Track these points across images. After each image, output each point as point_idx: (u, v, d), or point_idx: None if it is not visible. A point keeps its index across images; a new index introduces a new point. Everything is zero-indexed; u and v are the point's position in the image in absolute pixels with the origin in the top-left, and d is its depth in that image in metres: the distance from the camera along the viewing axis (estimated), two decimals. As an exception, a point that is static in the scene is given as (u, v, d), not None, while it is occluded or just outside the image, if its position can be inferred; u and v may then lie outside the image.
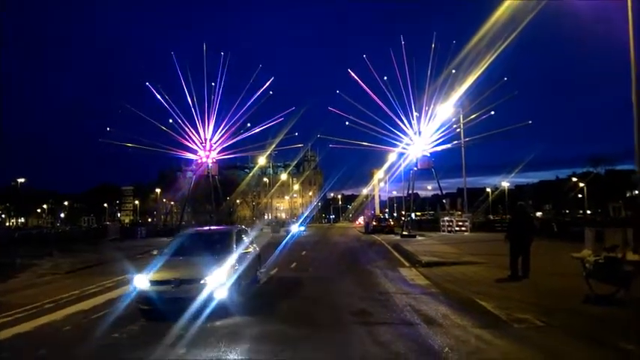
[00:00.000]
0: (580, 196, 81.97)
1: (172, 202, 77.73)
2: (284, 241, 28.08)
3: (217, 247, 9.83)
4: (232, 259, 9.15)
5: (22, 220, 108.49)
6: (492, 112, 35.71)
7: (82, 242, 26.58)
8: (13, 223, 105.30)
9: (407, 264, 15.93)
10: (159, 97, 38.32)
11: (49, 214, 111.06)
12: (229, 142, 40.45)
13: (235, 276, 8.85)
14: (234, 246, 9.89)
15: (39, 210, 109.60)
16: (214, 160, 40.02)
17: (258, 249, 12.19)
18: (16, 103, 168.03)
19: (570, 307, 8.35)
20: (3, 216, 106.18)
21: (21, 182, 75.65)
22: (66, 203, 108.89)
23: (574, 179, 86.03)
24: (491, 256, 16.61)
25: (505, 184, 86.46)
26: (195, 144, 39.35)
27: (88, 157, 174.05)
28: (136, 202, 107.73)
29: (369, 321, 7.70)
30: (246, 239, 11.31)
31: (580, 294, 8.87)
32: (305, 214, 77.63)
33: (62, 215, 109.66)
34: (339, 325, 7.59)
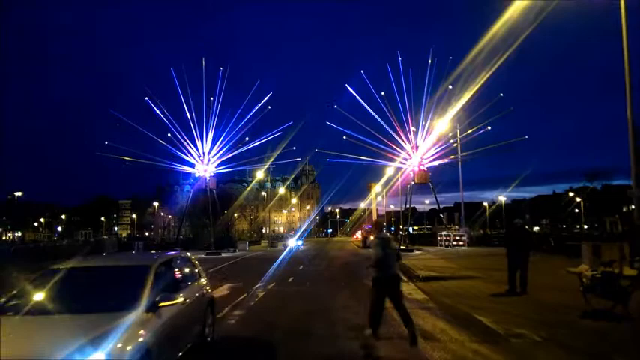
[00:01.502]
0: (577, 210, 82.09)
1: (170, 216, 77.59)
2: (282, 256, 28.05)
3: (115, 296, 5.38)
4: (136, 322, 4.77)
5: (19, 233, 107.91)
6: (489, 128, 36.06)
7: (78, 257, 26.32)
8: (10, 236, 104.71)
9: (404, 278, 15.86)
10: (157, 111, 38.53)
11: (46, 228, 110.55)
12: (228, 156, 40.67)
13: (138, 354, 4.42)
14: (147, 294, 5.28)
15: (36, 224, 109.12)
16: (212, 174, 40.10)
17: (208, 290, 7.59)
18: (14, 115, 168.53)
19: (568, 321, 8.36)
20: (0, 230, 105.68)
21: (18, 196, 75.34)
22: (63, 217, 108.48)
23: (571, 194, 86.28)
24: (488, 270, 16.61)
25: (502, 199, 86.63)
26: (194, 158, 39.45)
27: (85, 170, 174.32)
28: (134, 215, 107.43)
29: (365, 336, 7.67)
30: (181, 275, 6.87)
31: (577, 308, 8.89)
32: (303, 228, 77.44)
33: (59, 229, 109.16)
34: (335, 339, 7.58)
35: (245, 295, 12.30)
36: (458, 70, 33.16)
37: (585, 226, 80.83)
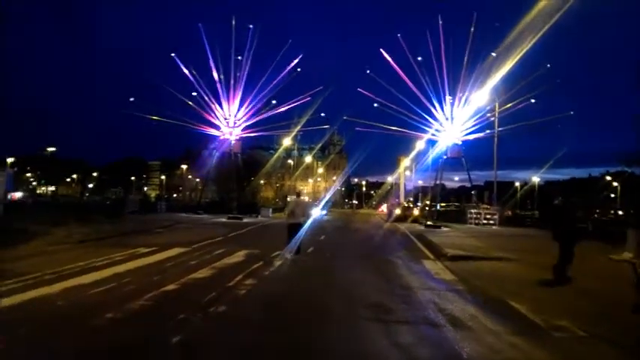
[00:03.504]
0: (612, 195, 78.99)
1: (198, 179, 78.00)
2: (305, 225, 27.40)
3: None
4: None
5: (53, 188, 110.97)
6: (533, 100, 34.13)
7: (101, 213, 26.46)
8: (44, 190, 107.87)
9: (431, 256, 15.01)
10: (184, 69, 37.76)
11: (79, 184, 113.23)
12: (254, 120, 39.77)
13: None
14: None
15: (68, 180, 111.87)
16: (237, 137, 39.47)
17: None
18: (45, 72, 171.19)
19: (615, 316, 7.40)
20: (34, 183, 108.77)
21: (51, 151, 76.78)
22: (95, 174, 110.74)
23: (608, 178, 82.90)
24: (522, 252, 15.58)
25: (535, 179, 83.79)
26: (219, 120, 38.79)
27: (117, 130, 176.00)
28: (163, 177, 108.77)
29: (387, 319, 6.89)
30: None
31: (624, 301, 7.89)
32: (327, 198, 76.84)
33: (90, 186, 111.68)
34: (351, 319, 6.81)
35: (260, 263, 11.66)
36: (501, 39, 31.30)
37: (620, 212, 77.84)
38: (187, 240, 16.15)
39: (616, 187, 77.09)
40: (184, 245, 14.62)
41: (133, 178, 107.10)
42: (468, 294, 8.84)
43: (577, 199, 16.49)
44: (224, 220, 30.69)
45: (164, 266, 10.90)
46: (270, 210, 40.88)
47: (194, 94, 37.89)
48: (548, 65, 34.81)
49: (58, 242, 14.12)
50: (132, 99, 37.00)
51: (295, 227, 13.60)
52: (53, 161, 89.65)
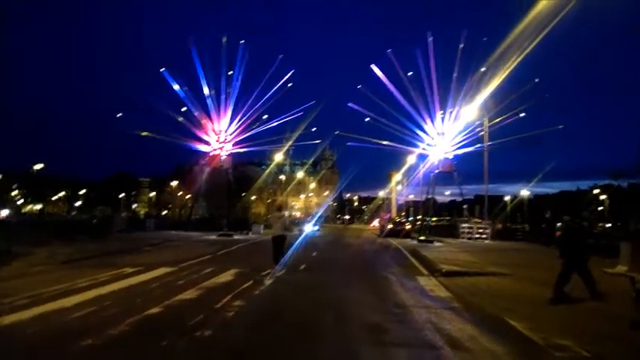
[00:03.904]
0: (600, 208, 79.53)
1: (188, 196, 77.23)
2: (295, 241, 26.99)
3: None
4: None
5: (39, 206, 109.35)
6: (522, 114, 34.39)
7: (87, 232, 25.89)
8: (30, 209, 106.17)
9: (425, 272, 14.72)
10: (175, 85, 37.51)
11: (66, 202, 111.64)
12: (245, 135, 39.56)
13: None
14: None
15: (55, 198, 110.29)
16: (228, 153, 39.13)
17: None
18: (37, 88, 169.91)
19: (616, 332, 7.15)
20: (21, 201, 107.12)
21: (38, 168, 75.83)
22: (83, 192, 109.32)
23: (596, 191, 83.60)
24: (515, 267, 15.35)
25: (525, 193, 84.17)
26: (210, 135, 38.44)
27: (106, 144, 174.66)
28: (152, 193, 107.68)
29: (383, 340, 6.58)
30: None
31: (622, 316, 7.64)
32: (319, 214, 76.48)
33: (78, 204, 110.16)
34: (346, 341, 6.49)
35: (250, 282, 11.29)
36: (490, 55, 31.54)
37: (608, 225, 78.23)
38: (175, 259, 15.73)
39: (603, 200, 77.60)
40: (171, 264, 14.20)
41: (122, 195, 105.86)
42: (465, 312, 8.55)
43: (586, 213, 16.25)
44: (214, 237, 30.21)
45: (149, 287, 10.50)
46: (262, 226, 40.38)
47: (184, 109, 37.63)
48: (537, 80, 35.18)
49: (41, 263, 13.67)
50: (119, 115, 36.65)
51: (278, 239, 14.35)
52: (40, 178, 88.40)
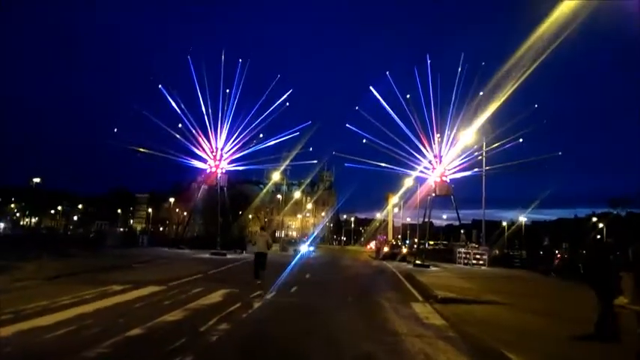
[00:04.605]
0: (599, 237, 79.30)
1: (185, 213, 76.79)
2: (290, 261, 26.60)
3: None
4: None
5: (35, 219, 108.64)
6: (520, 140, 34.35)
7: (80, 247, 25.50)
8: (27, 222, 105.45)
9: (420, 298, 14.33)
10: (172, 101, 37.37)
11: (64, 217, 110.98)
12: (242, 153, 39.34)
13: None
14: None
15: (53, 211, 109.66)
16: (224, 171, 38.87)
17: None
18: (36, 103, 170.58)
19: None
20: (18, 215, 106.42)
21: (36, 182, 75.50)
22: (80, 206, 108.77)
23: (594, 219, 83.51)
24: (514, 296, 15.04)
25: (523, 219, 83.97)
26: (206, 152, 38.25)
27: (106, 160, 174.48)
28: (150, 210, 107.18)
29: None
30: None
31: (627, 350, 7.36)
32: (315, 234, 75.93)
33: (76, 218, 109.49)
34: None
35: (238, 304, 10.91)
36: (489, 79, 31.60)
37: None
38: (164, 277, 15.31)
39: (602, 228, 77.41)
40: (160, 283, 13.79)
41: (119, 210, 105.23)
42: (461, 342, 8.20)
43: (612, 239, 15.43)
44: (207, 255, 29.71)
45: (134, 307, 10.13)
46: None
47: (180, 125, 37.46)
48: (536, 105, 35.23)
49: (25, 278, 13.24)
50: (115, 130, 36.34)
51: (259, 256, 15.62)
52: (38, 192, 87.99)
